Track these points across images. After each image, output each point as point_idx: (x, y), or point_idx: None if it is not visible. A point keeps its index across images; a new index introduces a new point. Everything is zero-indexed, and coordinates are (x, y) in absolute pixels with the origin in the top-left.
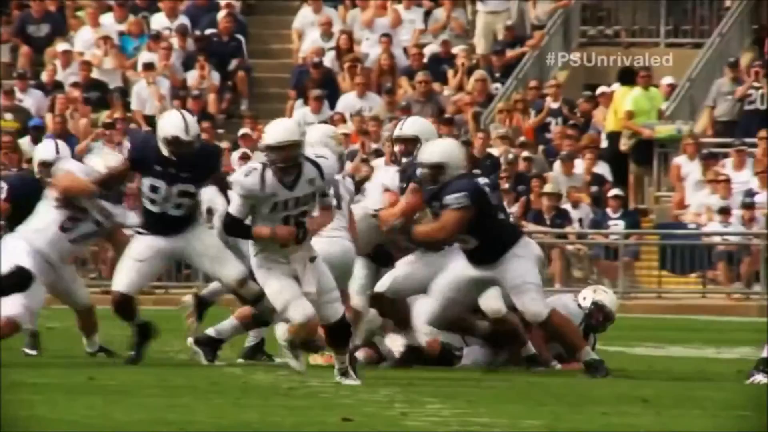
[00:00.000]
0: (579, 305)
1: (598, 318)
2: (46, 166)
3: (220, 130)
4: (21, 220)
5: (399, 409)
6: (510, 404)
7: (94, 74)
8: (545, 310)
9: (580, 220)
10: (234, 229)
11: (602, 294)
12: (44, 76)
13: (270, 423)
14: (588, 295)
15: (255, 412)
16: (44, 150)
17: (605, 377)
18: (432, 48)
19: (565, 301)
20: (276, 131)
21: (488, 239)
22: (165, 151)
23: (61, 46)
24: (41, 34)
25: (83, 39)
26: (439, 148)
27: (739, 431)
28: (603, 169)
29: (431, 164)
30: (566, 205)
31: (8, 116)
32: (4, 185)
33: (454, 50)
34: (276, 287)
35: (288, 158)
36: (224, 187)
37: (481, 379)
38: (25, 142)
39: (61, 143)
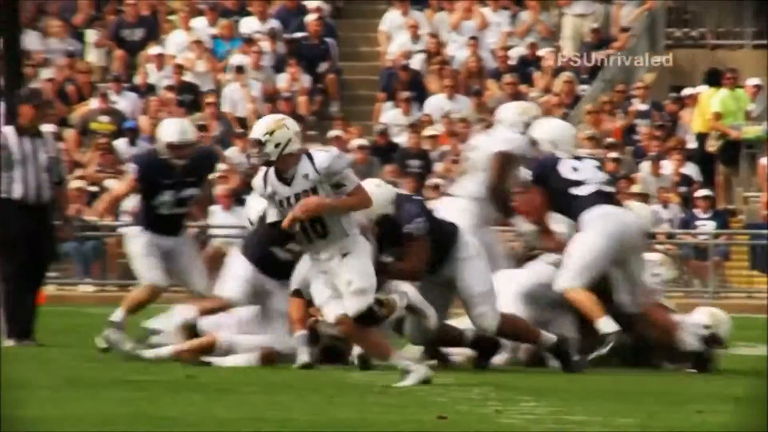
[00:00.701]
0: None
1: (711, 346)
2: (173, 147)
3: (311, 132)
4: (149, 199)
5: (493, 407)
6: (604, 402)
7: (187, 77)
8: (494, 322)
9: (670, 221)
10: (275, 234)
11: (720, 325)
12: (138, 79)
13: (366, 421)
14: (706, 322)
15: (351, 410)
16: (170, 131)
17: (578, 366)
18: (519, 50)
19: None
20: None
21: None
22: None
23: (154, 49)
24: (135, 38)
25: (176, 42)
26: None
27: None
28: (691, 169)
29: (377, 218)
30: (656, 206)
31: (104, 118)
32: (133, 165)
33: (541, 52)
34: (315, 288)
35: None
36: None
37: (575, 377)
38: (120, 143)
39: (188, 124)
